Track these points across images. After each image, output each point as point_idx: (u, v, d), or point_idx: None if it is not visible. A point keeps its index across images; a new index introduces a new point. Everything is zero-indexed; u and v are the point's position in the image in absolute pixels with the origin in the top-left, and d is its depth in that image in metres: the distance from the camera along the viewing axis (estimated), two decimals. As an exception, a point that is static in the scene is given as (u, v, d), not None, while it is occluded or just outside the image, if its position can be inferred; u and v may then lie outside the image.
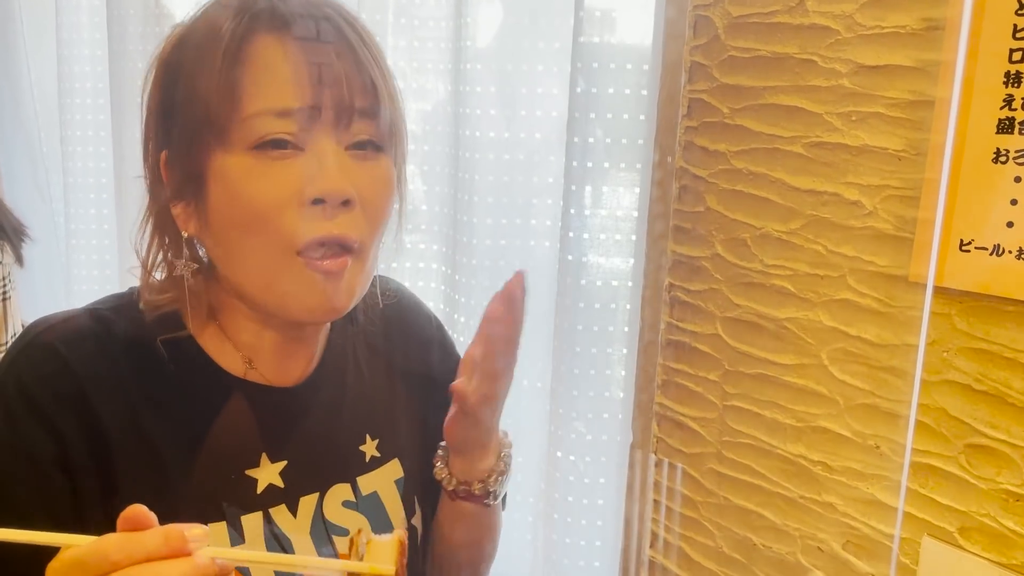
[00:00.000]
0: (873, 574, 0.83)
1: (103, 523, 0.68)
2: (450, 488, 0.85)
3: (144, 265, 0.77)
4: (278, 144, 0.69)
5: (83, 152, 1.83)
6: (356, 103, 0.72)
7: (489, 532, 0.93)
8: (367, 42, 0.74)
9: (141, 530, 0.55)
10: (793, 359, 0.87)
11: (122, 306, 0.77)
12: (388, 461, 0.86)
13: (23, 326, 1.54)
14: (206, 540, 0.56)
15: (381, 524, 0.82)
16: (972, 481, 0.75)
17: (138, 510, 0.56)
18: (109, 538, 0.54)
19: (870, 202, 0.79)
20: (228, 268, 0.74)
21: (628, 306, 1.22)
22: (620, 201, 1.19)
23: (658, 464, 1.03)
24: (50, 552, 0.56)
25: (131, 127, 1.69)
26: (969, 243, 0.73)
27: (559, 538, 1.33)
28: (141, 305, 0.75)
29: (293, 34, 0.70)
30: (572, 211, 1.20)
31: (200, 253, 0.78)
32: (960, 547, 0.75)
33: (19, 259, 1.49)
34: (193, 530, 0.55)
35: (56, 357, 0.70)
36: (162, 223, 0.76)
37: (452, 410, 0.82)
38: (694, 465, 0.98)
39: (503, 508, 0.96)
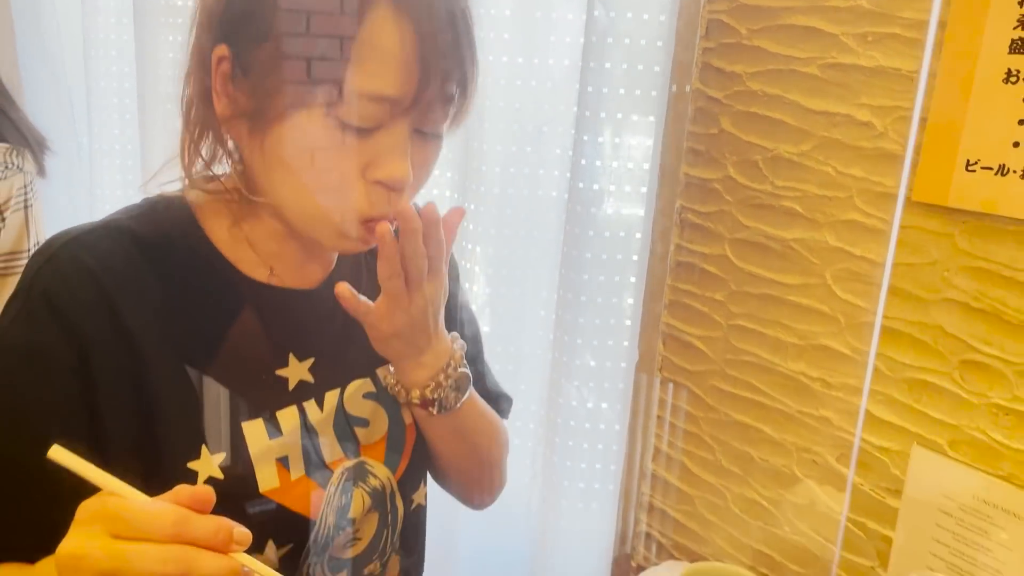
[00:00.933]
0: (862, 483, 0.86)
1: (123, 439, 0.71)
2: (402, 401, 0.85)
3: (183, 157, 0.76)
4: (362, 133, 0.69)
5: (107, 71, 1.84)
6: (443, 97, 0.71)
7: (463, 442, 0.93)
8: (471, 30, 0.72)
9: (200, 512, 0.54)
10: (798, 279, 0.89)
11: (143, 217, 0.77)
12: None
13: (44, 238, 1.58)
14: (246, 545, 0.55)
15: (396, 418, 0.86)
16: (964, 396, 0.78)
17: (208, 494, 0.55)
18: (167, 508, 0.53)
19: (881, 123, 0.81)
20: (271, 195, 0.74)
21: (639, 235, 1.24)
22: (635, 128, 1.20)
23: (663, 382, 1.06)
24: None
25: (155, 44, 1.71)
26: (975, 163, 0.74)
27: (559, 460, 1.37)
28: (184, 189, 0.77)
29: (410, 14, 0.67)
30: (585, 138, 1.21)
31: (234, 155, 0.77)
32: (949, 456, 0.78)
33: (41, 170, 1.52)
34: (242, 533, 0.55)
35: (81, 266, 0.71)
36: (203, 116, 0.75)
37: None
38: (697, 383, 1.01)
39: (500, 430, 0.98)
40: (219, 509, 0.69)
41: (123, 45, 1.82)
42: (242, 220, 0.78)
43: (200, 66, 0.72)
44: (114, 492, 0.54)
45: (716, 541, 1.01)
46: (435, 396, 0.82)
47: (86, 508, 0.54)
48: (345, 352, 0.81)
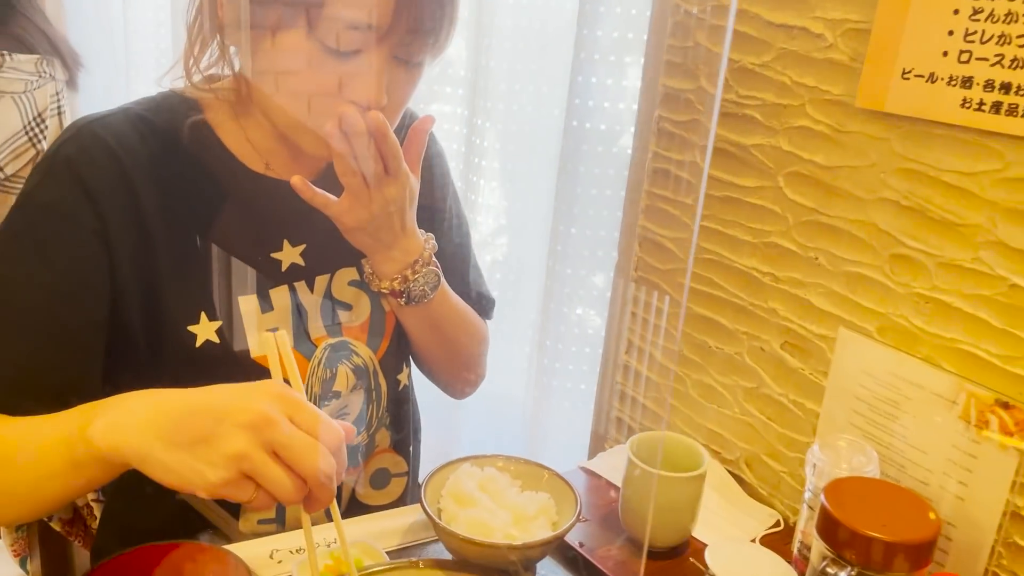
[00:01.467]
0: (802, 367, 0.95)
1: (132, 301, 0.79)
2: (382, 292, 0.94)
3: (187, 59, 0.85)
4: (341, 56, 0.76)
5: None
6: (419, 28, 0.77)
7: (436, 332, 1.00)
8: None
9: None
10: (755, 182, 0.97)
11: (157, 107, 0.86)
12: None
13: None
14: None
15: (377, 306, 0.95)
16: (892, 287, 0.86)
17: (351, 430, 0.64)
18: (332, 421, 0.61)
19: (831, 35, 0.87)
20: (261, 102, 0.83)
21: (629, 151, 1.32)
22: (629, 47, 1.27)
23: (637, 281, 1.15)
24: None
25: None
26: (910, 71, 0.81)
27: (550, 363, 1.48)
28: (191, 88, 0.85)
29: None
30: (582, 55, 1.29)
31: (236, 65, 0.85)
32: (873, 339, 0.87)
33: (72, 82, 1.64)
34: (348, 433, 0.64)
35: (101, 142, 0.79)
36: (208, 25, 0.82)
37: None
38: (667, 280, 1.11)
39: (477, 326, 1.07)
40: (217, 370, 0.81)
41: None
42: (241, 118, 0.87)
43: None
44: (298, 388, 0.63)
45: (676, 423, 1.12)
46: (403, 288, 0.92)
47: (276, 389, 0.60)
48: (334, 242, 0.90)
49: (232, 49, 0.83)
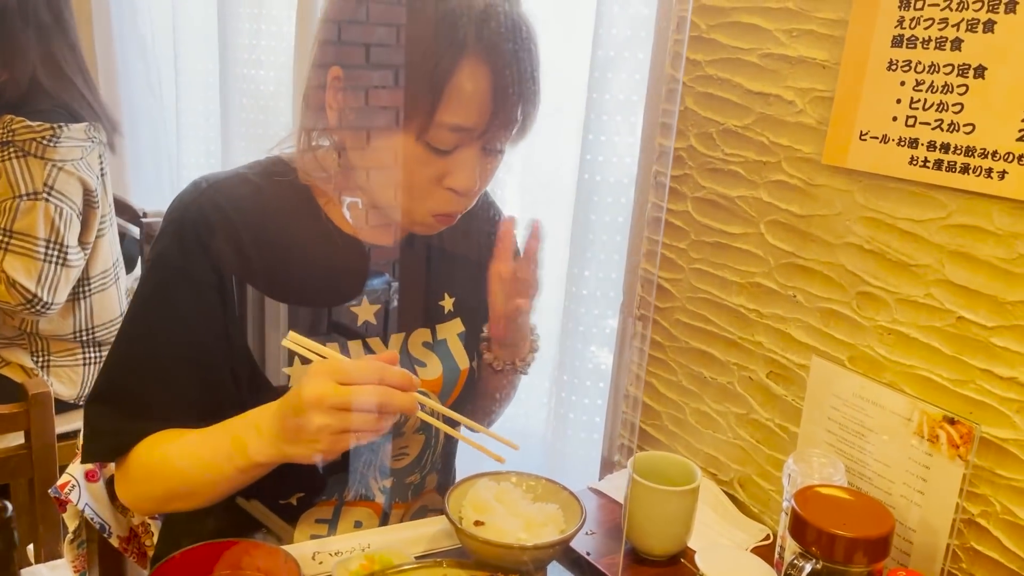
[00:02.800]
0: (785, 394, 1.06)
1: (241, 344, 0.94)
2: (498, 368, 1.10)
3: (299, 140, 0.97)
4: (443, 153, 0.88)
5: (193, 55, 2.12)
6: (510, 124, 0.89)
7: (513, 384, 1.19)
8: (535, 64, 0.89)
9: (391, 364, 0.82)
10: (740, 229, 1.10)
11: (267, 172, 0.98)
12: (456, 317, 1.09)
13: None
14: (418, 386, 0.85)
15: (449, 365, 1.07)
16: (859, 320, 0.98)
17: (393, 355, 0.84)
18: (373, 362, 0.83)
19: (801, 102, 1.00)
20: (364, 185, 0.94)
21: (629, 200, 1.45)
22: (631, 107, 1.40)
23: (639, 318, 1.27)
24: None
25: (236, 33, 1.98)
26: (866, 133, 0.94)
27: (566, 396, 1.59)
28: (300, 175, 0.97)
29: (489, 63, 0.85)
30: (591, 116, 1.43)
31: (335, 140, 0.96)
32: (844, 366, 0.98)
33: (111, 146, 1.79)
34: (417, 379, 0.83)
35: (221, 210, 0.92)
36: (317, 116, 0.94)
37: (495, 317, 1.05)
38: (665, 317, 1.22)
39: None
40: None
41: (208, 31, 2.10)
42: (339, 189, 0.99)
43: (319, 78, 0.92)
44: (334, 356, 0.83)
45: (677, 448, 1.22)
46: (513, 368, 1.10)
47: (316, 368, 0.81)
48: (410, 305, 1.03)
49: (336, 138, 0.95)
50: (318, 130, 0.95)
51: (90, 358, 1.82)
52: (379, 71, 0.88)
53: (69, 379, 1.80)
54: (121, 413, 0.93)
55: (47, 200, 1.62)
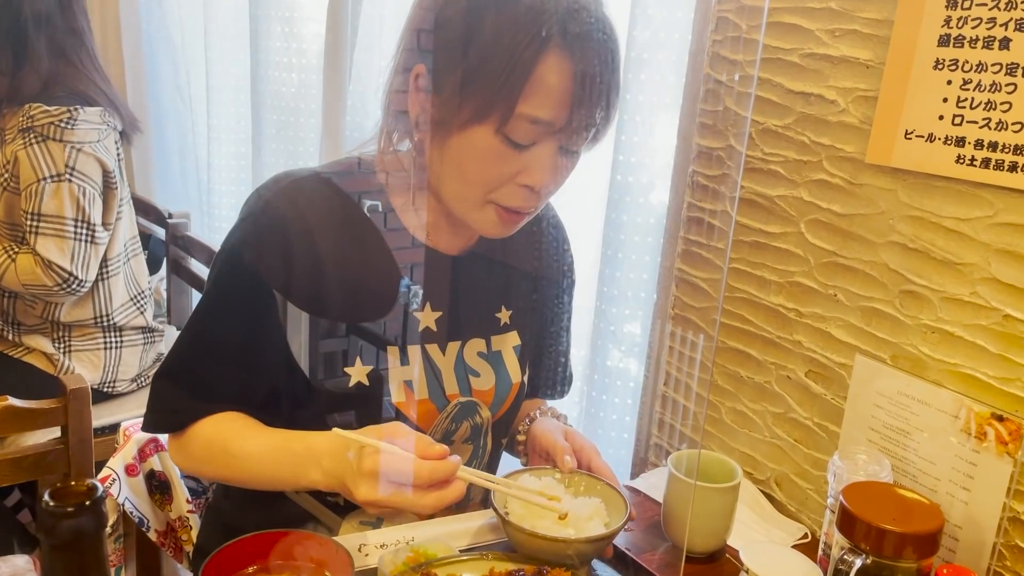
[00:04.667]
0: (825, 393, 1.06)
1: (303, 341, 0.95)
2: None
3: (380, 142, 0.98)
4: (520, 148, 0.87)
5: (224, 58, 2.14)
6: (590, 123, 0.88)
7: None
8: (618, 68, 0.89)
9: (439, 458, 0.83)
10: (779, 228, 1.10)
11: (344, 174, 0.99)
12: (512, 330, 1.09)
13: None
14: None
15: (503, 377, 1.08)
16: (902, 319, 0.98)
17: (444, 450, 0.84)
18: (424, 465, 0.83)
19: (843, 101, 1.01)
20: (436, 180, 0.95)
21: (666, 201, 1.45)
22: (665, 108, 1.41)
23: (674, 319, 1.28)
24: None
25: (267, 36, 2.00)
26: (912, 132, 0.94)
27: (597, 395, 1.60)
28: (379, 176, 0.98)
29: (574, 55, 0.84)
30: (624, 117, 1.44)
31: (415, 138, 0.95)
32: (887, 365, 0.98)
33: (128, 138, 1.84)
34: (458, 461, 0.84)
35: (297, 208, 0.93)
36: (398, 115, 0.95)
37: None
38: (701, 317, 1.23)
39: None
40: (363, 408, 0.97)
41: (240, 33, 2.11)
42: (413, 192, 1.00)
43: (402, 78, 0.93)
44: (385, 450, 0.83)
45: (712, 447, 1.23)
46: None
47: (369, 467, 0.82)
48: (468, 314, 1.04)
49: (416, 137, 0.95)
50: (399, 132, 0.96)
51: (111, 342, 1.85)
52: (462, 66, 0.87)
53: (91, 363, 1.83)
54: (185, 391, 0.96)
55: (70, 181, 1.66)
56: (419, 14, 0.92)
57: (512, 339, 1.09)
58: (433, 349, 1.02)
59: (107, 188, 1.76)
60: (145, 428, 1.01)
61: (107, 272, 1.81)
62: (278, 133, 2.08)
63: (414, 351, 1.01)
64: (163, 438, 1.17)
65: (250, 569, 0.82)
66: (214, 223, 2.47)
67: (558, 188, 0.96)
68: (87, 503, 0.51)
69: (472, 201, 0.93)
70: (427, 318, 1.01)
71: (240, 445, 0.93)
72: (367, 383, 0.97)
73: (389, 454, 0.83)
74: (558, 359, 1.19)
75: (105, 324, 1.83)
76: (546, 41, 0.84)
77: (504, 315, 1.08)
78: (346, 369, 0.96)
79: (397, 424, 0.87)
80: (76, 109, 1.67)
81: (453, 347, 1.04)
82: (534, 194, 0.92)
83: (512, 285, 1.09)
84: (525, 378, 1.11)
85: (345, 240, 0.97)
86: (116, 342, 1.86)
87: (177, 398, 0.97)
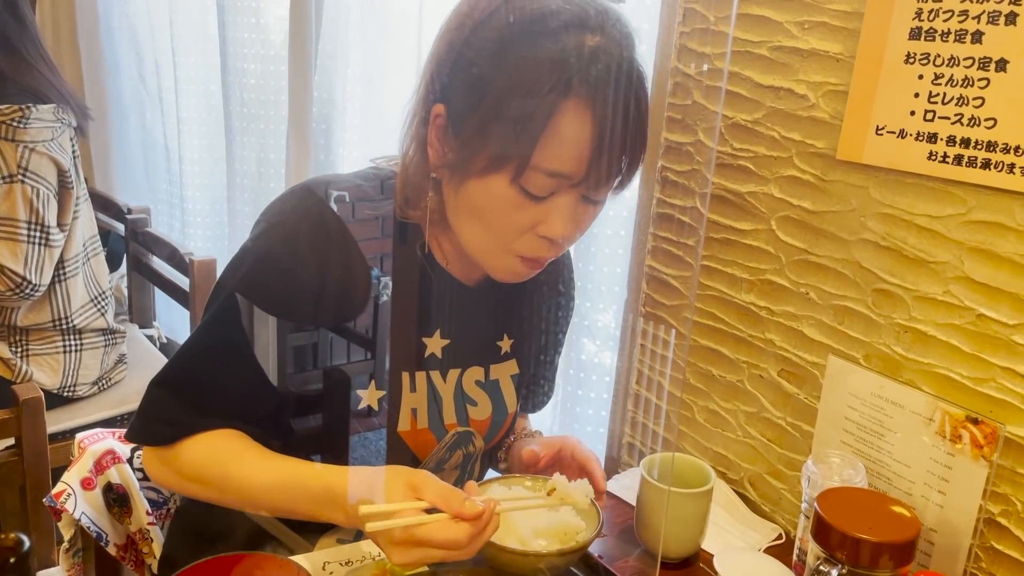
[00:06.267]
0: (798, 393, 1.05)
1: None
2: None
3: (400, 172, 0.93)
4: (538, 199, 0.83)
5: (192, 49, 2.08)
6: (610, 173, 0.84)
7: None
8: (643, 114, 0.84)
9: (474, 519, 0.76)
10: (750, 225, 1.08)
11: (374, 187, 0.94)
12: (511, 359, 1.07)
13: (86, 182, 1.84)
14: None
15: (499, 407, 1.06)
16: (875, 318, 0.96)
17: (479, 510, 0.76)
18: (463, 529, 0.76)
19: (814, 96, 0.99)
20: (455, 220, 0.90)
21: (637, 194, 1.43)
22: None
23: (645, 316, 1.26)
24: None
25: (235, 27, 1.94)
26: (883, 128, 0.92)
27: (572, 390, 1.58)
28: (397, 214, 0.93)
29: (594, 104, 0.79)
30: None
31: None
32: (860, 364, 0.97)
33: (82, 131, 1.78)
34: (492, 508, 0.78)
35: (326, 217, 0.90)
36: (417, 155, 0.90)
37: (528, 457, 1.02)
38: (672, 315, 1.21)
39: None
40: (372, 434, 0.93)
41: (208, 22, 2.05)
42: (434, 224, 0.95)
43: (421, 116, 0.89)
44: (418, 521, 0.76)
45: (685, 446, 1.21)
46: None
47: (403, 536, 0.76)
48: (472, 342, 1.01)
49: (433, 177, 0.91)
50: (415, 163, 0.91)
51: (70, 346, 1.80)
52: (481, 111, 0.82)
53: (50, 367, 1.77)
54: (182, 402, 0.91)
55: (23, 182, 1.61)
56: (441, 49, 0.86)
57: (511, 368, 1.07)
58: (436, 376, 0.99)
59: (62, 188, 1.70)
60: (130, 437, 0.95)
61: (64, 274, 1.75)
62: (248, 126, 2.03)
63: (420, 377, 0.98)
64: (121, 450, 1.14)
65: (206, 596, 0.79)
66: (187, 217, 2.42)
67: (579, 236, 0.92)
68: (11, 560, 0.47)
69: (489, 249, 0.89)
70: (435, 344, 0.98)
71: (242, 470, 0.87)
72: (376, 408, 0.95)
73: (424, 526, 0.76)
74: (548, 381, 1.18)
75: (64, 327, 1.77)
76: (565, 90, 0.79)
77: (505, 344, 1.06)
78: (358, 391, 0.94)
79: (425, 475, 0.80)
80: (28, 107, 1.61)
81: (453, 374, 1.01)
82: (554, 245, 0.87)
83: (517, 314, 1.07)
84: (519, 406, 1.10)
85: (350, 266, 0.92)
86: (76, 345, 1.81)
87: (173, 408, 0.91)
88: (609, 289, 1.50)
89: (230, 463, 0.88)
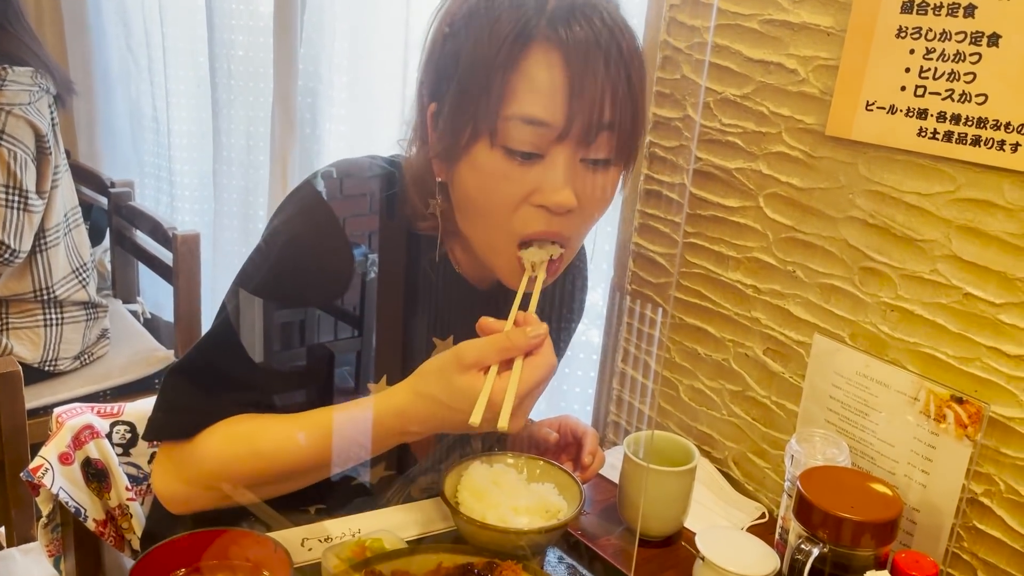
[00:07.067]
0: (783, 372, 1.04)
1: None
2: None
3: (408, 174, 0.90)
4: (526, 156, 0.78)
5: (180, 19, 2.04)
6: (604, 121, 0.77)
7: None
8: (630, 55, 0.79)
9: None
10: (737, 202, 1.07)
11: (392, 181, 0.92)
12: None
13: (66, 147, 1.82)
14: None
15: None
16: (861, 296, 0.95)
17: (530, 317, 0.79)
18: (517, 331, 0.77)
19: (804, 70, 0.97)
20: (460, 220, 0.88)
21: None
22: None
23: (632, 294, 1.24)
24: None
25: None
26: (873, 103, 0.91)
27: (560, 368, 1.57)
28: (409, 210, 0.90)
29: (563, 45, 0.75)
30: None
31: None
32: (845, 343, 0.96)
33: (62, 101, 1.75)
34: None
35: (334, 223, 0.87)
36: (421, 158, 0.88)
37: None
38: (658, 292, 1.20)
39: None
40: None
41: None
42: (451, 225, 0.91)
43: (419, 119, 0.87)
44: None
45: (670, 425, 1.20)
46: None
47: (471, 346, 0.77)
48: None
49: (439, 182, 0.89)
50: (418, 164, 0.89)
51: (51, 319, 1.78)
52: (455, 84, 0.80)
53: (31, 341, 1.75)
54: (201, 389, 0.87)
55: (0, 145, 1.57)
56: (427, 46, 0.85)
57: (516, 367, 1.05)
58: None
59: (40, 154, 1.67)
60: (148, 436, 0.92)
61: (46, 243, 1.73)
62: (235, 99, 2.00)
63: None
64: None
65: (181, 571, 0.78)
66: (176, 191, 2.38)
67: (591, 213, 0.85)
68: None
69: (493, 243, 0.86)
70: (446, 348, 0.95)
71: (275, 435, 0.85)
72: None
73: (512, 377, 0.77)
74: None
75: (45, 298, 1.75)
76: (527, 34, 0.76)
77: None
78: (369, 385, 0.92)
79: (462, 347, 0.79)
80: (5, 69, 1.58)
81: None
82: (555, 217, 0.81)
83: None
84: None
85: (397, 250, 0.92)
86: (57, 318, 1.79)
87: (195, 397, 0.88)
88: (597, 267, 1.49)
89: (257, 437, 0.86)
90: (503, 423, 0.74)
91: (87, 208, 2.08)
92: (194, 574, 0.78)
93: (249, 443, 0.86)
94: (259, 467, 0.85)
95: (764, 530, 1.02)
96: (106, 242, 2.25)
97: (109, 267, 2.25)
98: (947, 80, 0.84)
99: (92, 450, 1.20)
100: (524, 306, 0.83)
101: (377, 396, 0.83)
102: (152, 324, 2.22)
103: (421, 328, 0.96)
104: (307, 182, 0.92)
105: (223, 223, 2.15)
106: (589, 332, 1.53)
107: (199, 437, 0.86)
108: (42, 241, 1.72)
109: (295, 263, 0.88)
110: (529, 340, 0.77)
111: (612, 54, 0.78)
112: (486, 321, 0.80)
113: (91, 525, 1.19)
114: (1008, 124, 0.80)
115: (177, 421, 0.88)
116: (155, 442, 1.09)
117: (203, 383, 0.88)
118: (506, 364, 0.78)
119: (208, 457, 0.86)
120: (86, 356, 1.86)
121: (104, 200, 2.18)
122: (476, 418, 0.75)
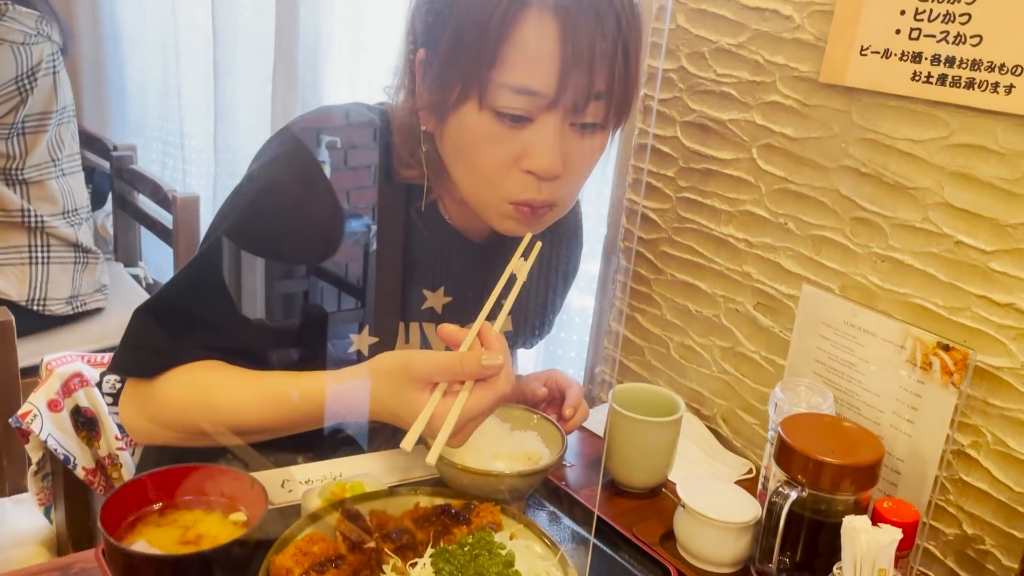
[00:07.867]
0: (772, 326, 1.03)
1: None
2: None
3: (396, 126, 0.89)
4: (516, 119, 0.78)
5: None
6: (595, 89, 0.77)
7: None
8: (627, 22, 0.78)
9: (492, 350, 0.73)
10: (731, 154, 1.05)
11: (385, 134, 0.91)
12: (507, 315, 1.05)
13: (69, 102, 1.83)
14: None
15: None
16: (852, 247, 0.94)
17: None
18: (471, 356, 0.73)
19: (799, 16, 0.95)
20: (451, 170, 0.87)
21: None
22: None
23: (624, 251, 1.23)
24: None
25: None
26: (867, 48, 0.89)
27: (555, 332, 1.56)
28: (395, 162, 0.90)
29: (558, 12, 0.74)
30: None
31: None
32: (833, 293, 0.94)
33: (65, 51, 1.75)
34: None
35: (319, 171, 0.88)
36: (408, 103, 0.87)
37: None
38: (650, 249, 1.18)
39: None
40: None
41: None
42: (443, 176, 0.91)
43: (407, 66, 0.86)
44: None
45: (660, 383, 1.19)
46: None
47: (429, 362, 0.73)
48: (476, 301, 0.96)
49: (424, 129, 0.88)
50: (404, 112, 0.88)
51: (36, 256, 1.77)
52: (446, 41, 0.79)
53: (15, 277, 1.75)
54: (168, 329, 0.86)
55: None
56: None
57: (505, 325, 1.04)
58: (429, 328, 0.97)
59: (18, 91, 1.67)
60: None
61: (23, 175, 1.73)
62: (239, 61, 1.99)
63: (414, 328, 0.96)
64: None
65: (156, 506, 0.78)
66: (187, 154, 2.38)
67: (580, 175, 0.84)
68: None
69: (482, 196, 0.85)
70: (436, 300, 0.96)
71: (229, 389, 0.85)
72: (366, 354, 0.92)
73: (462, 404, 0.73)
74: (545, 328, 1.14)
75: (31, 224, 1.74)
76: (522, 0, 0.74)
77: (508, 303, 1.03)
78: (351, 336, 0.91)
79: (412, 358, 0.76)
80: (7, 4, 1.59)
81: None
82: (543, 183, 0.81)
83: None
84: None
85: (330, 212, 0.90)
86: (43, 256, 1.78)
87: (158, 337, 0.86)
88: (594, 229, 1.48)
89: (213, 389, 0.85)
90: (431, 459, 0.72)
91: (89, 172, 2.08)
92: (169, 510, 0.78)
93: (204, 393, 0.85)
94: (211, 418, 0.85)
95: (751, 485, 1.01)
96: (108, 206, 2.25)
97: (111, 231, 2.26)
98: (942, 21, 0.82)
99: (81, 398, 1.20)
100: (506, 293, 0.80)
101: (331, 375, 0.81)
102: (154, 289, 2.22)
103: (407, 279, 0.95)
104: (287, 128, 0.92)
105: (225, 185, 2.15)
106: (584, 297, 1.52)
107: (162, 378, 0.85)
108: (20, 174, 1.72)
109: (273, 209, 0.87)
110: (482, 370, 0.72)
111: (609, 22, 0.76)
112: (446, 329, 0.76)
113: (80, 474, 1.20)
114: (1003, 66, 0.78)
115: (141, 360, 0.87)
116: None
117: (170, 323, 0.87)
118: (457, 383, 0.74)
119: (166, 401, 0.86)
120: (78, 302, 1.84)
121: (107, 164, 2.18)
122: (408, 445, 0.72)
